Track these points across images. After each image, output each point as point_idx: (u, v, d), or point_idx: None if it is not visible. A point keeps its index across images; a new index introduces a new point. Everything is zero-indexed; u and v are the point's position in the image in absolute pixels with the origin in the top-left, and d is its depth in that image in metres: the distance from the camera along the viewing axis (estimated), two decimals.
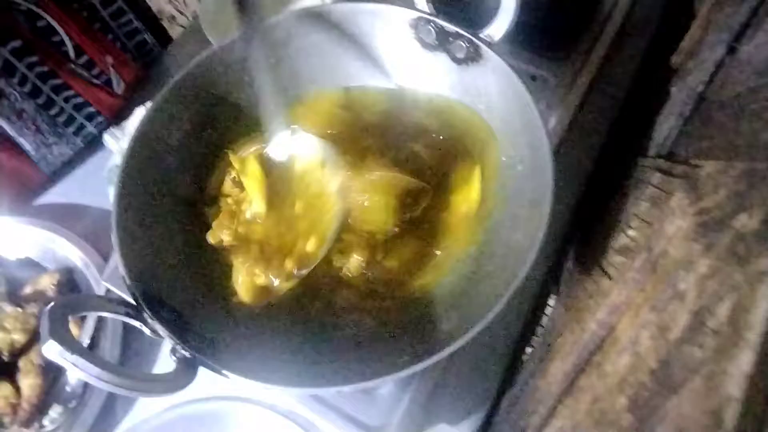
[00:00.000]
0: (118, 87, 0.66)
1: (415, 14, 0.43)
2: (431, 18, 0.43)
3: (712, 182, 0.25)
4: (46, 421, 0.51)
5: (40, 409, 0.52)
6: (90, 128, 0.65)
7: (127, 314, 0.32)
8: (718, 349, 0.17)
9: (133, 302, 0.33)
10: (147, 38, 0.71)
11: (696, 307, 0.20)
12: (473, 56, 0.42)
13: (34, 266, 0.60)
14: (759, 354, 0.15)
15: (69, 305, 0.30)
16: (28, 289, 0.57)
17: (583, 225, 0.53)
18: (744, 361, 0.15)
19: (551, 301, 0.51)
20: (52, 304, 0.29)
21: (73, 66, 0.60)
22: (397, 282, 0.42)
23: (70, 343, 0.26)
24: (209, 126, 0.47)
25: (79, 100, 0.62)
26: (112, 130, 0.61)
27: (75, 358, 0.26)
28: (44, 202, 0.65)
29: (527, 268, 0.33)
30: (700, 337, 0.19)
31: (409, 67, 0.47)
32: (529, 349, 0.51)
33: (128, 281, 0.34)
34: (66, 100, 0.61)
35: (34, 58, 0.57)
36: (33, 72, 0.57)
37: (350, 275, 0.42)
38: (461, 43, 0.42)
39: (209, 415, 0.50)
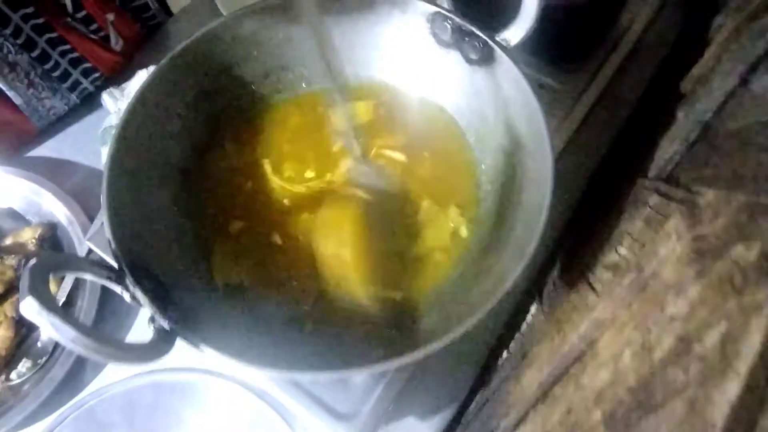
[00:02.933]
0: (117, 44, 0.64)
1: (434, 9, 0.43)
2: (449, 15, 0.42)
3: (711, 210, 0.25)
4: (13, 375, 0.51)
5: (9, 361, 0.51)
6: (86, 84, 0.63)
7: (109, 278, 0.32)
8: (704, 375, 0.17)
9: (116, 267, 0.33)
10: (150, 3, 0.69)
11: (683, 331, 0.20)
12: (486, 58, 0.42)
13: (17, 218, 0.58)
14: (746, 385, 0.15)
15: (51, 263, 0.29)
16: (8, 241, 0.56)
17: (573, 237, 0.53)
18: (730, 390, 0.15)
19: (532, 309, 0.51)
20: (35, 260, 0.28)
21: (69, 20, 0.58)
22: (383, 279, 0.42)
23: (48, 303, 0.26)
24: (211, 97, 0.46)
25: (75, 54, 0.60)
26: (112, 90, 0.60)
27: (52, 318, 0.25)
28: (35, 155, 0.64)
29: (515, 277, 0.33)
30: (685, 361, 0.19)
31: (420, 61, 0.47)
32: (505, 354, 0.51)
33: (113, 245, 0.33)
34: (62, 54, 0.59)
35: (29, 10, 0.55)
36: (28, 24, 0.55)
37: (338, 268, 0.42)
38: (476, 43, 0.42)
39: (180, 385, 0.50)
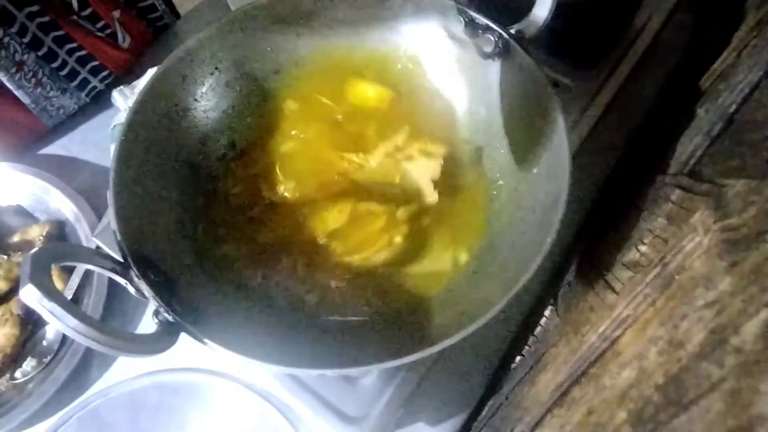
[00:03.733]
0: (124, 41, 0.64)
1: (448, 2, 0.42)
2: (463, 8, 0.42)
3: (740, 200, 0.24)
4: (18, 373, 0.50)
5: (14, 359, 0.50)
6: (95, 82, 0.63)
7: (113, 270, 0.31)
8: (744, 368, 0.16)
9: (121, 259, 0.32)
10: (157, 4, 0.69)
11: (716, 324, 0.19)
12: (501, 52, 0.41)
13: (25, 215, 0.58)
14: None
15: (54, 252, 0.29)
16: (16, 238, 0.55)
17: (588, 238, 0.52)
18: None
19: (547, 312, 0.50)
20: (37, 248, 0.28)
21: (75, 17, 0.58)
22: (394, 272, 0.41)
23: (49, 291, 0.25)
24: (221, 92, 0.45)
25: (83, 52, 0.60)
26: (122, 88, 0.59)
27: (53, 306, 0.25)
28: (45, 153, 0.64)
29: (530, 273, 0.31)
30: (720, 355, 0.17)
31: (433, 54, 0.46)
32: (518, 358, 0.50)
33: (119, 237, 0.33)
34: (69, 53, 0.59)
35: (34, 8, 0.54)
36: (33, 22, 0.55)
37: (348, 262, 0.41)
38: (490, 36, 0.41)
39: (185, 385, 0.49)
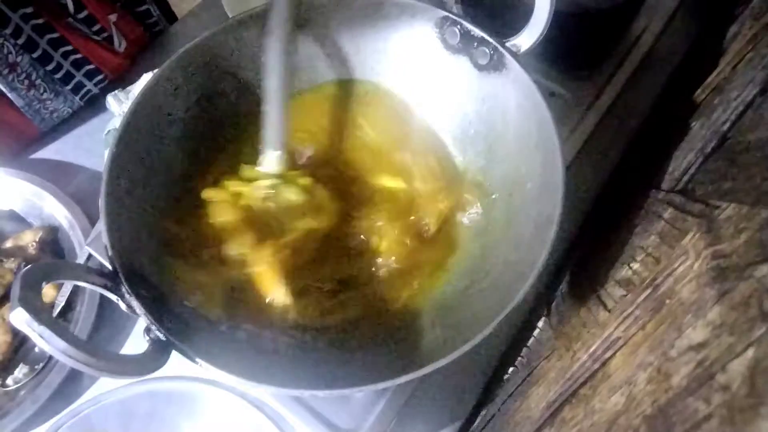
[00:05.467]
0: (120, 45, 0.64)
1: (443, 14, 0.42)
2: (459, 20, 0.42)
3: (732, 226, 0.24)
4: (9, 380, 0.50)
5: (5, 367, 0.50)
6: (90, 86, 0.63)
7: (105, 286, 0.31)
8: (730, 409, 0.16)
9: (112, 273, 0.32)
10: (152, 10, 0.69)
11: (704, 357, 0.19)
12: (496, 64, 0.41)
13: (18, 220, 0.58)
14: None
15: (45, 271, 0.28)
16: (9, 243, 0.55)
17: (582, 251, 0.52)
18: (765, 430, 0.14)
19: (540, 323, 0.50)
20: (28, 267, 0.27)
21: (71, 20, 0.58)
22: (384, 292, 0.41)
23: (39, 313, 0.25)
24: (215, 100, 0.45)
25: (78, 56, 0.60)
26: (117, 93, 0.59)
27: (42, 329, 0.24)
28: (38, 157, 0.63)
29: (524, 290, 0.32)
30: (707, 392, 0.17)
31: (427, 66, 0.46)
32: (511, 369, 0.50)
33: (110, 252, 0.32)
34: (64, 55, 0.58)
35: (29, 9, 0.54)
36: (28, 24, 0.54)
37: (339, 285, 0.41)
38: (485, 49, 0.41)
39: (178, 394, 0.49)
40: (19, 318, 0.24)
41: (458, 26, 0.42)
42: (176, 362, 0.31)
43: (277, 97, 0.40)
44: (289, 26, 0.40)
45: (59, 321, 0.50)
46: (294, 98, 0.47)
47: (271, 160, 0.40)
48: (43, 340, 0.24)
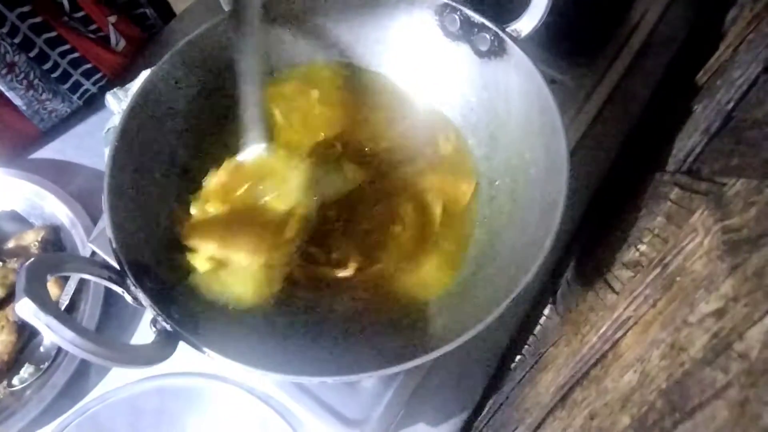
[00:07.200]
0: (118, 44, 0.64)
1: (443, 0, 0.42)
2: (458, 6, 0.41)
3: (741, 200, 0.24)
4: (15, 380, 0.50)
5: (11, 366, 0.50)
6: (88, 86, 0.62)
7: (110, 279, 0.31)
8: (750, 375, 0.15)
9: (117, 267, 0.32)
10: (149, 13, 0.68)
11: (718, 329, 0.19)
12: (497, 50, 0.41)
13: (20, 221, 0.58)
14: None
15: (49, 263, 0.28)
16: (11, 244, 0.55)
17: (587, 236, 0.51)
18: None
19: (546, 311, 0.50)
20: (32, 260, 0.27)
21: (67, 19, 0.57)
22: (390, 279, 0.40)
23: (45, 304, 0.25)
24: (214, 94, 0.45)
25: (75, 55, 0.59)
26: (116, 91, 0.59)
27: (49, 319, 0.24)
28: (38, 157, 0.63)
29: (530, 276, 0.31)
30: (724, 361, 0.17)
31: (428, 54, 0.45)
32: (518, 357, 0.50)
33: (114, 244, 0.32)
34: (61, 55, 0.58)
35: (26, 8, 0.53)
36: (25, 23, 0.54)
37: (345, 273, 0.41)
38: (486, 35, 0.41)
39: (185, 390, 0.49)
40: (26, 309, 0.24)
41: (458, 12, 0.42)
42: (183, 358, 0.31)
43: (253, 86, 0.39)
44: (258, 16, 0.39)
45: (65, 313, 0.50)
46: (291, 86, 0.47)
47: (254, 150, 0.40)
48: (51, 330, 0.24)
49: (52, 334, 0.24)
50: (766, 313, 0.16)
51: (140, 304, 0.31)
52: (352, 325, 0.37)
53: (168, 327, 0.30)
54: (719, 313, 0.19)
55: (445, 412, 0.47)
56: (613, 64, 0.57)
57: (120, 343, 0.26)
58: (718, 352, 0.18)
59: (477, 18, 0.41)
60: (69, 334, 0.25)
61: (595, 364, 0.30)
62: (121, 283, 0.31)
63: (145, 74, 0.58)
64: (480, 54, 0.42)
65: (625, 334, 0.28)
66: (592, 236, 0.50)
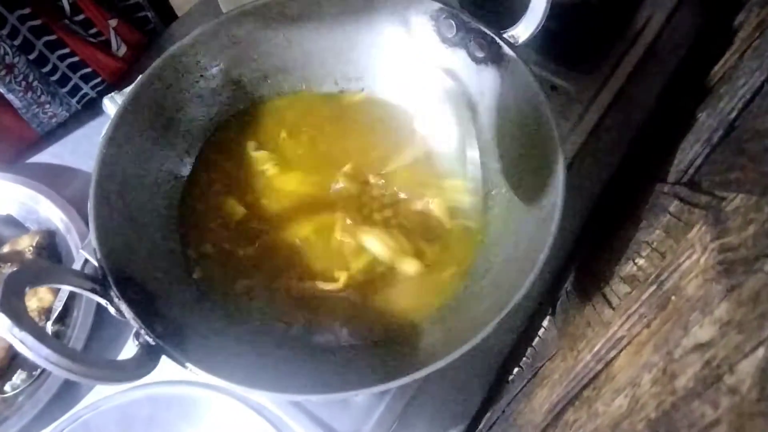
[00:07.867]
0: (119, 49, 0.63)
1: (439, 6, 0.41)
2: (455, 11, 0.40)
3: (739, 217, 0.23)
4: (7, 387, 0.49)
5: (3, 373, 0.50)
6: (87, 90, 0.62)
7: (93, 290, 0.30)
8: (739, 414, 0.14)
9: (101, 277, 0.31)
10: (150, 15, 0.68)
11: (710, 357, 0.18)
12: (493, 57, 0.40)
13: (15, 225, 0.57)
14: None
15: (30, 274, 0.28)
16: (5, 248, 0.54)
17: (587, 247, 0.50)
18: None
19: (545, 322, 0.49)
20: (12, 272, 0.27)
21: (68, 22, 0.57)
22: (382, 292, 0.40)
23: (20, 318, 0.24)
24: (208, 99, 0.44)
25: (75, 59, 0.59)
26: (113, 95, 0.58)
27: (23, 335, 0.24)
28: (35, 161, 0.63)
29: (523, 291, 0.31)
30: (714, 394, 0.16)
31: (423, 60, 0.45)
32: (516, 370, 0.49)
33: (98, 254, 0.32)
34: (61, 58, 0.58)
35: (26, 11, 0.53)
36: (25, 25, 0.54)
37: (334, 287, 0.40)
38: (483, 41, 0.40)
39: (177, 399, 0.48)
40: (0, 323, 0.24)
41: (454, 18, 0.41)
42: (176, 366, 0.30)
43: None
44: None
45: (43, 327, 0.50)
46: (288, 98, 0.46)
47: None
48: (25, 346, 0.24)
49: (26, 350, 0.24)
50: (759, 344, 0.15)
51: (123, 316, 0.30)
52: (340, 341, 0.37)
53: (150, 341, 0.29)
54: (711, 340, 0.18)
55: (440, 425, 0.46)
56: (616, 71, 0.56)
57: (98, 359, 0.26)
58: (708, 384, 0.17)
59: (473, 23, 0.40)
60: (45, 350, 0.24)
61: (587, 385, 0.29)
62: (105, 295, 0.31)
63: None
64: (477, 60, 0.41)
65: (618, 354, 0.27)
66: (591, 247, 0.49)
